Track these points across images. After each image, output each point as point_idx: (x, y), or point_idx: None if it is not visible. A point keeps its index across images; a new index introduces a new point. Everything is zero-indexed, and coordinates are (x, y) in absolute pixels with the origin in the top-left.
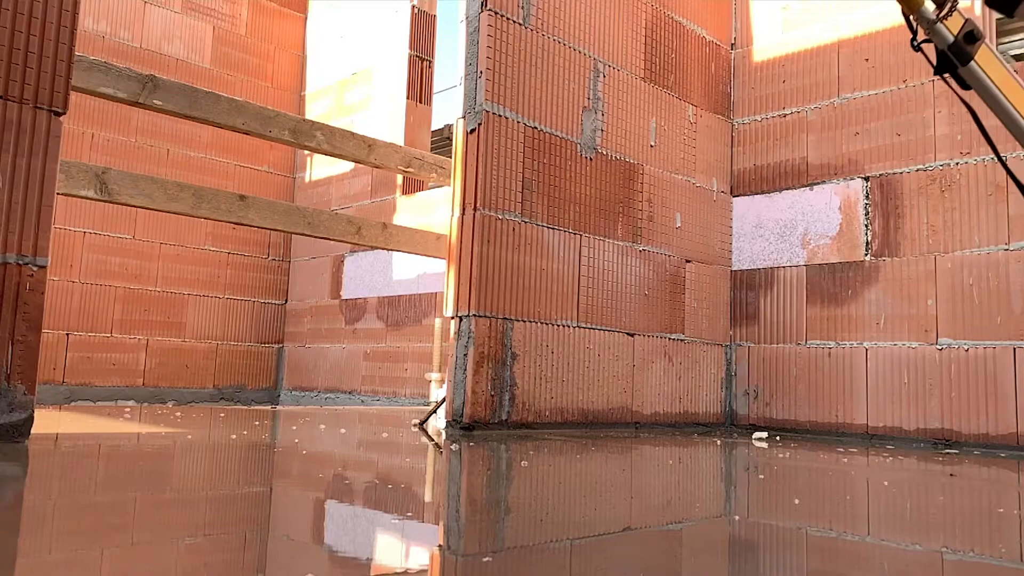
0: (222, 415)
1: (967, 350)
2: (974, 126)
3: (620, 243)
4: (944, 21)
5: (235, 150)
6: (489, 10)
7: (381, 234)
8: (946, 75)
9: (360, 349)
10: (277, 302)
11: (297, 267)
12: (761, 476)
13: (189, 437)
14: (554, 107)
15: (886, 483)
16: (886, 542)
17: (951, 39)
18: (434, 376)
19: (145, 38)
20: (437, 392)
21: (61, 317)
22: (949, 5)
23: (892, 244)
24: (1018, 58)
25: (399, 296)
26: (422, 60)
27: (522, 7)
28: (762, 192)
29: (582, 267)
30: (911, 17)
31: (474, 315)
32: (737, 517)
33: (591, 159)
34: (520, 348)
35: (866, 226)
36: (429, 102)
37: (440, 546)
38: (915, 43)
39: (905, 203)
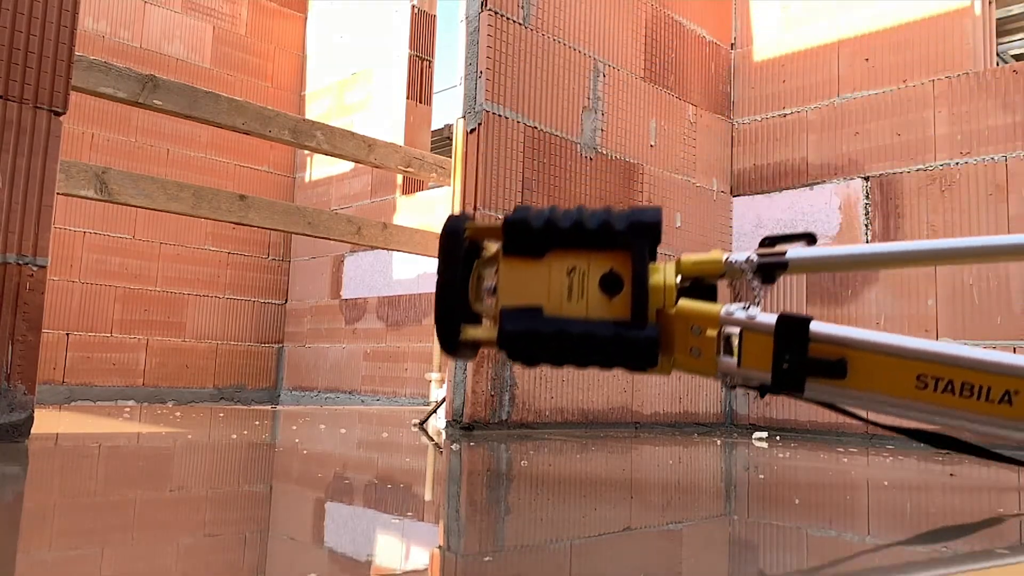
0: (221, 415)
1: None
2: (974, 126)
3: None
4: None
5: (235, 150)
6: (489, 10)
7: (381, 234)
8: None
9: (360, 349)
10: (277, 302)
11: (297, 267)
12: (761, 476)
13: (189, 437)
14: (554, 107)
15: (886, 483)
16: (886, 542)
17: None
18: (434, 376)
19: (145, 38)
20: (437, 392)
21: (61, 317)
22: (729, 381)
23: None
24: (1018, 58)
25: (399, 296)
26: (422, 60)
27: (522, 7)
28: (762, 192)
29: None
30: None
31: None
32: (736, 517)
33: (591, 159)
34: None
35: (866, 226)
36: (429, 102)
37: (440, 546)
38: (728, 385)
39: (905, 203)
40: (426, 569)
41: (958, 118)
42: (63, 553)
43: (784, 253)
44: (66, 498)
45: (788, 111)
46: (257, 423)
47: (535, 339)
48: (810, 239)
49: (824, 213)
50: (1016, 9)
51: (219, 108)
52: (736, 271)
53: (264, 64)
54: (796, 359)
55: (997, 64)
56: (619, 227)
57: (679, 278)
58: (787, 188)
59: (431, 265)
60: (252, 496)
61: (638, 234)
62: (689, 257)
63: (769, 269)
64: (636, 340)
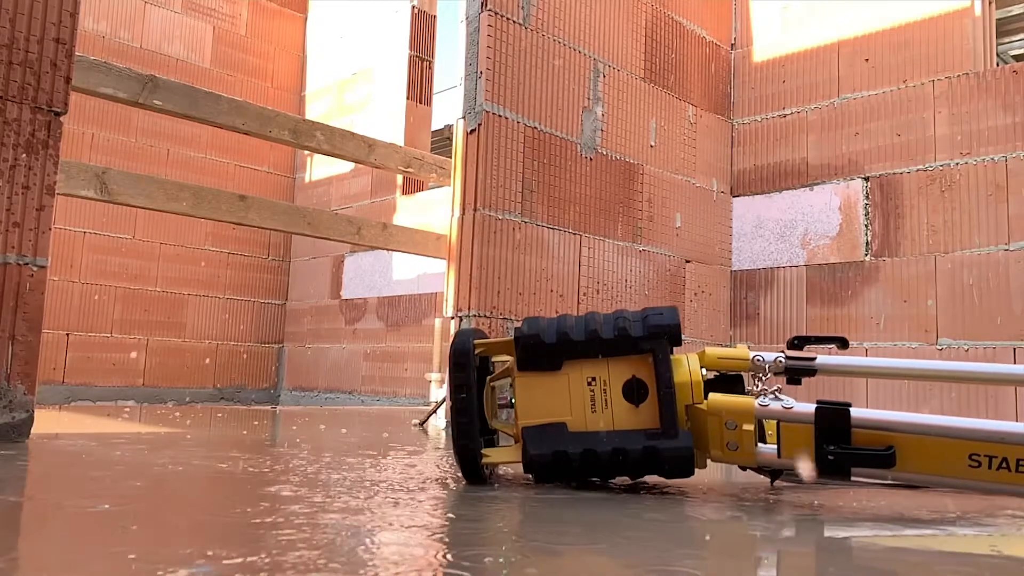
0: (220, 415)
1: (967, 350)
2: (974, 126)
3: (620, 243)
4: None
5: (235, 150)
6: (489, 10)
7: (381, 234)
8: None
9: (360, 349)
10: (277, 302)
11: (297, 267)
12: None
13: (189, 437)
14: (554, 107)
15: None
16: (884, 540)
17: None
18: (434, 376)
19: (145, 38)
20: (437, 392)
21: (61, 317)
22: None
23: (892, 244)
24: (1018, 58)
25: (399, 296)
26: (422, 60)
27: (522, 7)
28: (762, 192)
29: (582, 267)
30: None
31: (474, 315)
32: (736, 515)
33: (591, 159)
34: None
35: (866, 226)
36: (429, 102)
37: (441, 545)
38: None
39: (905, 203)
40: (427, 569)
41: (958, 118)
42: (64, 553)
43: (814, 359)
44: (66, 498)
45: (788, 111)
46: (257, 423)
47: (563, 460)
48: (842, 343)
49: (824, 213)
50: (1016, 9)
51: (219, 108)
52: (762, 369)
53: (264, 64)
54: (840, 449)
55: (997, 64)
56: (637, 333)
57: (703, 371)
58: (787, 188)
59: (431, 265)
60: (253, 495)
61: (658, 338)
62: (714, 351)
63: (796, 372)
64: (671, 452)
